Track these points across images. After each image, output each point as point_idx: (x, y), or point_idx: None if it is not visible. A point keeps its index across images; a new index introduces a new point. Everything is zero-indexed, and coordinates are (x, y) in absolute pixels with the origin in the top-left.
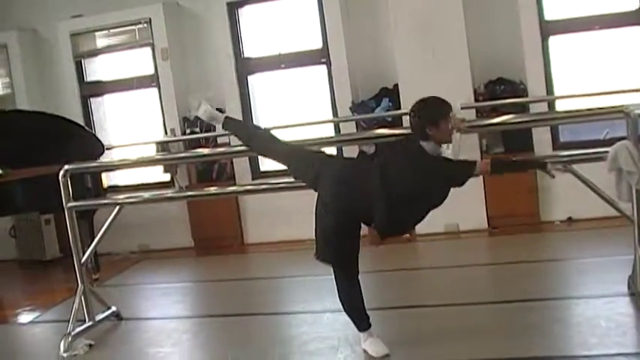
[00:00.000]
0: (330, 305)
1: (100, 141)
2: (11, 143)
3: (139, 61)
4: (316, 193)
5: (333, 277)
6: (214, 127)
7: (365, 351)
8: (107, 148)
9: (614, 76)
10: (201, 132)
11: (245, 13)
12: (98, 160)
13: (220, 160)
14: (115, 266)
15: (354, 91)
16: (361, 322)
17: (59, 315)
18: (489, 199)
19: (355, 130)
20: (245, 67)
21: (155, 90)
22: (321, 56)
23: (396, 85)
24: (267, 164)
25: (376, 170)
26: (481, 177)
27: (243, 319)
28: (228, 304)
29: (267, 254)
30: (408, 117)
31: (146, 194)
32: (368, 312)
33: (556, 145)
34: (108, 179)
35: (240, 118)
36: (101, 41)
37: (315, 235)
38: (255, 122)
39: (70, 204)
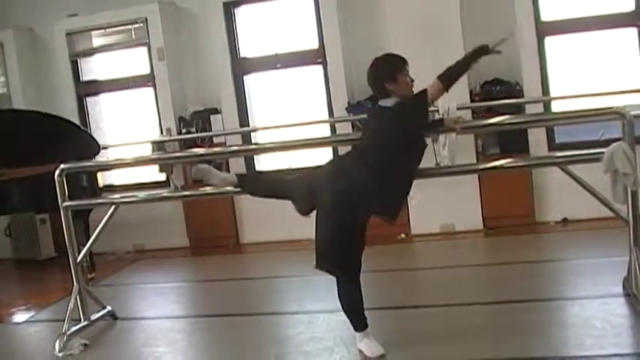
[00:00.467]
0: (326, 306)
1: (95, 140)
2: (6, 142)
3: (134, 61)
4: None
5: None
6: (210, 126)
7: (360, 351)
8: (103, 148)
9: (609, 77)
10: (197, 132)
11: (241, 12)
12: (94, 160)
13: (216, 160)
14: (110, 266)
15: (350, 91)
16: (359, 322)
17: (54, 314)
18: (485, 199)
19: (351, 131)
20: (241, 66)
21: (151, 90)
22: (317, 56)
23: None
24: (262, 164)
25: (357, 153)
26: (477, 178)
27: (239, 319)
28: (224, 304)
29: (263, 254)
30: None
31: (142, 194)
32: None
33: (552, 146)
34: (103, 178)
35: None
36: (97, 40)
37: (316, 246)
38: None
39: (65, 203)
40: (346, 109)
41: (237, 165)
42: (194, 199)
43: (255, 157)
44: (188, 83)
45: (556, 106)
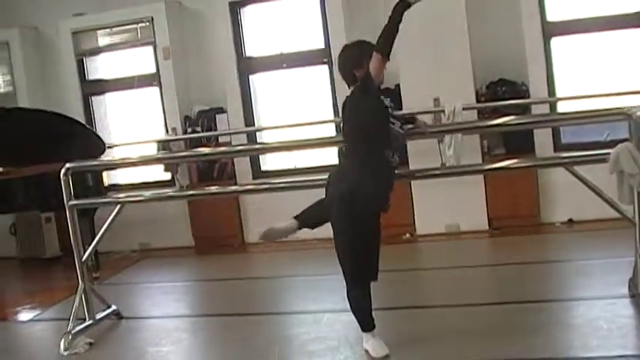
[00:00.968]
0: (330, 305)
1: (101, 139)
2: (12, 141)
3: (140, 60)
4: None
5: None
6: (215, 126)
7: (366, 351)
8: (108, 147)
9: (616, 78)
10: (202, 131)
11: (247, 12)
12: (99, 159)
13: (221, 160)
14: (115, 265)
15: None
16: (367, 323)
17: (59, 313)
18: (490, 200)
19: None
20: (247, 66)
21: (157, 89)
22: (323, 56)
23: (397, 86)
24: (268, 164)
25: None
26: (482, 178)
27: (243, 319)
28: (229, 303)
29: (268, 254)
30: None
31: (147, 193)
32: None
33: (557, 146)
34: (109, 178)
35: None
36: (103, 39)
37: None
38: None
39: (71, 202)
40: None
41: (243, 164)
42: (199, 199)
43: (260, 156)
44: (194, 82)
45: (562, 107)
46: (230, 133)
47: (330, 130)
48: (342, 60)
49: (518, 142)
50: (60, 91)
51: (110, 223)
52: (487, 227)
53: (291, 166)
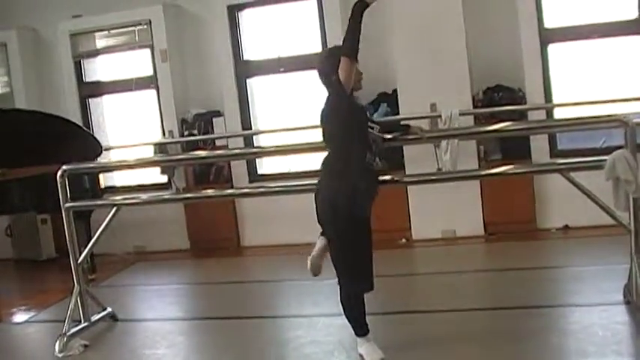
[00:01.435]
0: (326, 309)
1: (98, 141)
2: (9, 142)
3: (138, 63)
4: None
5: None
6: (212, 129)
7: (361, 356)
8: (105, 149)
9: (612, 84)
10: (199, 134)
11: (245, 15)
12: (96, 161)
13: (218, 163)
14: (111, 267)
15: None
16: (360, 328)
17: (54, 315)
18: (486, 205)
19: None
20: (244, 69)
21: (154, 91)
22: None
23: (394, 91)
24: (264, 167)
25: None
26: (478, 184)
27: (239, 322)
28: (224, 306)
29: (264, 257)
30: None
31: (143, 196)
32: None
33: (554, 152)
34: (105, 180)
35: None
36: (101, 42)
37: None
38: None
39: (67, 204)
40: None
41: (240, 167)
42: (195, 202)
43: (257, 160)
44: (191, 85)
45: (558, 113)
46: (227, 137)
47: None
48: (318, 68)
49: (515, 148)
50: (57, 92)
51: (106, 226)
52: (483, 233)
53: (288, 170)
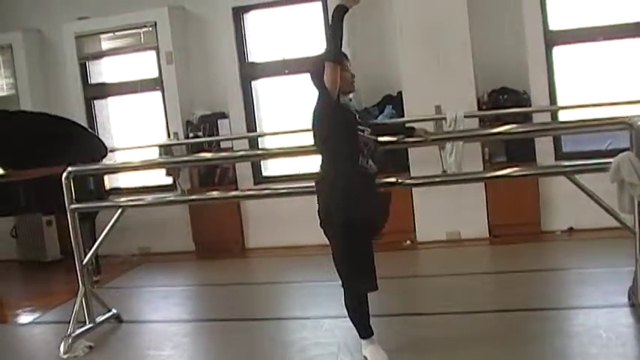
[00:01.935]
0: (330, 311)
1: (103, 143)
2: (15, 144)
3: (143, 65)
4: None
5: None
6: (217, 131)
7: (365, 358)
8: (110, 151)
9: (617, 87)
10: (204, 136)
11: (250, 18)
12: (101, 163)
13: (223, 165)
14: (115, 269)
15: (358, 98)
16: (364, 330)
17: (59, 316)
18: (491, 207)
19: None
20: (249, 71)
21: (159, 93)
22: None
23: (399, 93)
24: (269, 169)
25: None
26: (483, 186)
27: (243, 324)
28: (229, 308)
29: (268, 259)
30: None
31: (148, 197)
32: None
33: (559, 155)
34: (110, 181)
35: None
36: (106, 44)
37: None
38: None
39: (72, 206)
40: None
41: (245, 169)
42: (200, 204)
43: (261, 162)
44: (196, 87)
45: (563, 116)
46: (232, 139)
47: None
48: (313, 68)
49: (520, 150)
50: (62, 94)
51: (111, 227)
52: (488, 235)
53: (293, 172)
